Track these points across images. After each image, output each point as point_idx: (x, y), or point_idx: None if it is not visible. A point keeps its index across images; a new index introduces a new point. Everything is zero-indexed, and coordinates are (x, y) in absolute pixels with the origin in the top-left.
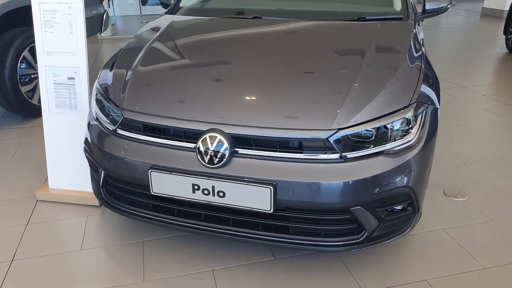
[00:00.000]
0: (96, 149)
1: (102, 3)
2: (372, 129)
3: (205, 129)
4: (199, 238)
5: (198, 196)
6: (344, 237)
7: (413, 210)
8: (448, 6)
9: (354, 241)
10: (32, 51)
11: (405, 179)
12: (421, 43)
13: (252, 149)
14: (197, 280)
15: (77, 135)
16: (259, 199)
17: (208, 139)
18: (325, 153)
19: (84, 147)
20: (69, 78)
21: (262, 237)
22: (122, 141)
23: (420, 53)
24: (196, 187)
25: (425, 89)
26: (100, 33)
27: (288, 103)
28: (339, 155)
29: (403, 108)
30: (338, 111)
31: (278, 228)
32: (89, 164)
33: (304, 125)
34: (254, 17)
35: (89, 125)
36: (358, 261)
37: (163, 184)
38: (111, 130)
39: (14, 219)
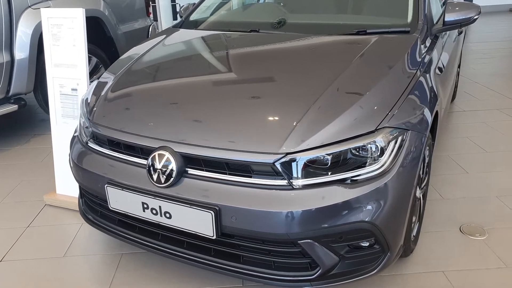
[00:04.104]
0: (72, 160)
1: (149, 16)
2: (327, 155)
3: (156, 146)
4: None
5: (148, 215)
6: (296, 271)
7: (381, 249)
8: (476, 17)
9: (306, 278)
10: None
11: (366, 213)
12: (426, 59)
13: (202, 170)
14: None
15: None
16: (202, 224)
17: (157, 156)
18: (274, 179)
19: (68, 157)
20: (72, 89)
21: (213, 264)
22: (90, 153)
23: (416, 71)
24: (145, 205)
25: (409, 113)
26: None
27: (243, 124)
28: (286, 181)
29: (368, 133)
30: (290, 133)
31: (229, 256)
32: None
33: (252, 148)
34: (251, 31)
35: (73, 136)
36: None
37: (118, 200)
38: (84, 142)
39: (19, 220)
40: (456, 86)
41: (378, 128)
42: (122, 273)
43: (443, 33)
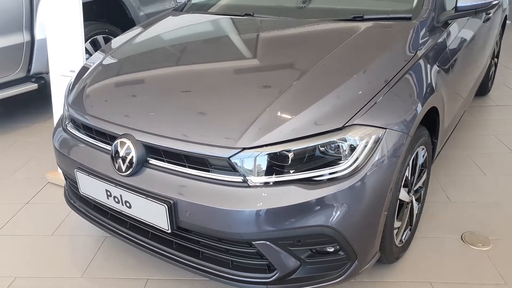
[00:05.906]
0: (52, 142)
1: None
2: (288, 152)
3: (120, 133)
4: None
5: (111, 203)
6: (253, 273)
7: (346, 256)
8: (495, 3)
9: (262, 280)
10: (94, 43)
11: (326, 217)
12: (425, 48)
13: (163, 161)
14: (129, 286)
15: None
16: (157, 216)
17: (119, 144)
18: (230, 175)
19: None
20: (70, 71)
21: (173, 257)
22: (67, 136)
23: (407, 63)
24: (108, 193)
25: (389, 109)
26: None
27: (205, 115)
28: (242, 178)
29: (334, 130)
30: (249, 127)
31: (189, 251)
32: None
33: (210, 140)
34: (246, 14)
35: (59, 118)
36: None
37: (86, 186)
38: (64, 126)
39: (20, 196)
40: (492, 78)
41: (346, 125)
42: (101, 256)
43: (464, 19)
